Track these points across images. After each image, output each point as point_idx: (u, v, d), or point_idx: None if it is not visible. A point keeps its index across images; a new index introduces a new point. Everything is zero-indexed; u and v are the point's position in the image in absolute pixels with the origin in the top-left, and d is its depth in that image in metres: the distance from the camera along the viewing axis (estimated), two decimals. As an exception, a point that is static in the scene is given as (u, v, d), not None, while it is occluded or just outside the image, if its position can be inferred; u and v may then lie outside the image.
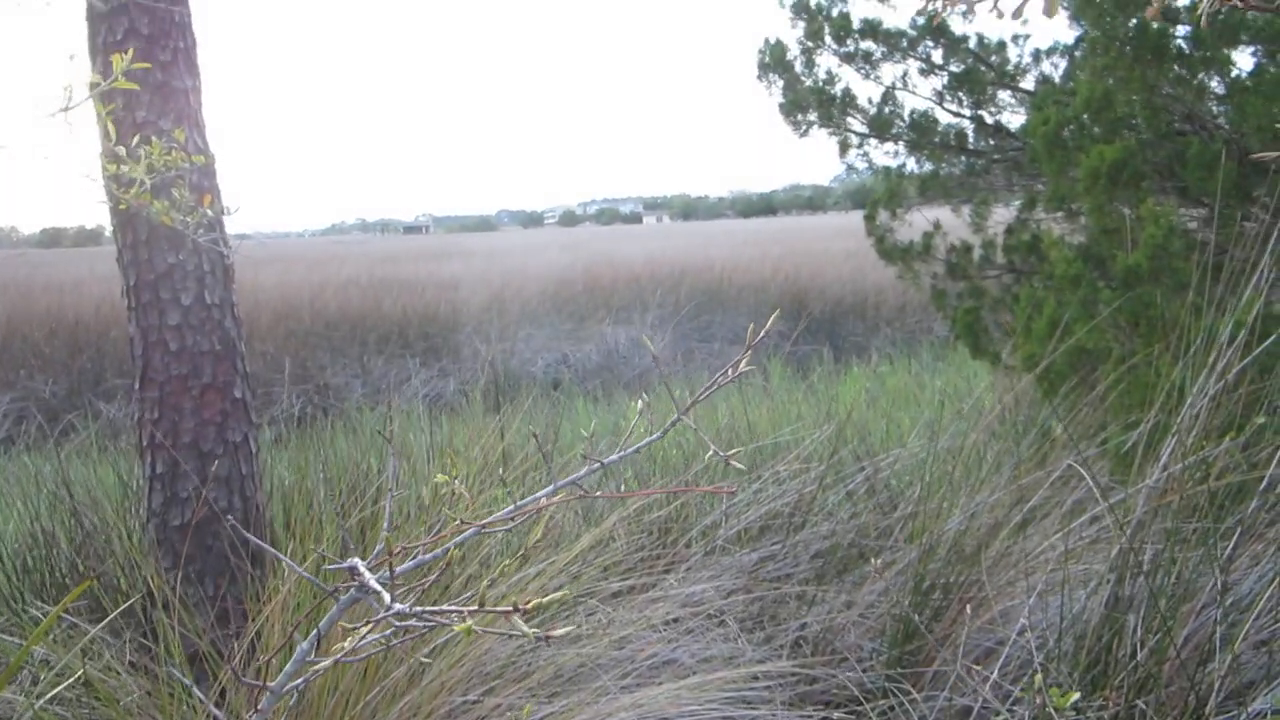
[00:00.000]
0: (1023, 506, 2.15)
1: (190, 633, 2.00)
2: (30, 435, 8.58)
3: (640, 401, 0.96)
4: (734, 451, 0.92)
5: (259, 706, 0.73)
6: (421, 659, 1.55)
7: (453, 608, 0.66)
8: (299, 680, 0.78)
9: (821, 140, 4.62)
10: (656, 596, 1.90)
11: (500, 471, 2.71)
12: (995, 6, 1.20)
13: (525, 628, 0.63)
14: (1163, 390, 1.99)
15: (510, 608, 0.63)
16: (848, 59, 3.94)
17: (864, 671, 1.88)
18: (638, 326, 10.87)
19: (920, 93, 4.02)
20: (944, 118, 4.05)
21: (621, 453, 0.92)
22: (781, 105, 4.04)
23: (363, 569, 0.72)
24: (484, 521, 0.83)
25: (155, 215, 1.91)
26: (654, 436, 0.93)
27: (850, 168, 4.31)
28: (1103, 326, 2.51)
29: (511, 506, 0.86)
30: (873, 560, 1.98)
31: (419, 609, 0.68)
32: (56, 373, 9.87)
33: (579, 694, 1.57)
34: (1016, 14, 1.14)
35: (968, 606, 1.78)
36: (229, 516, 2.56)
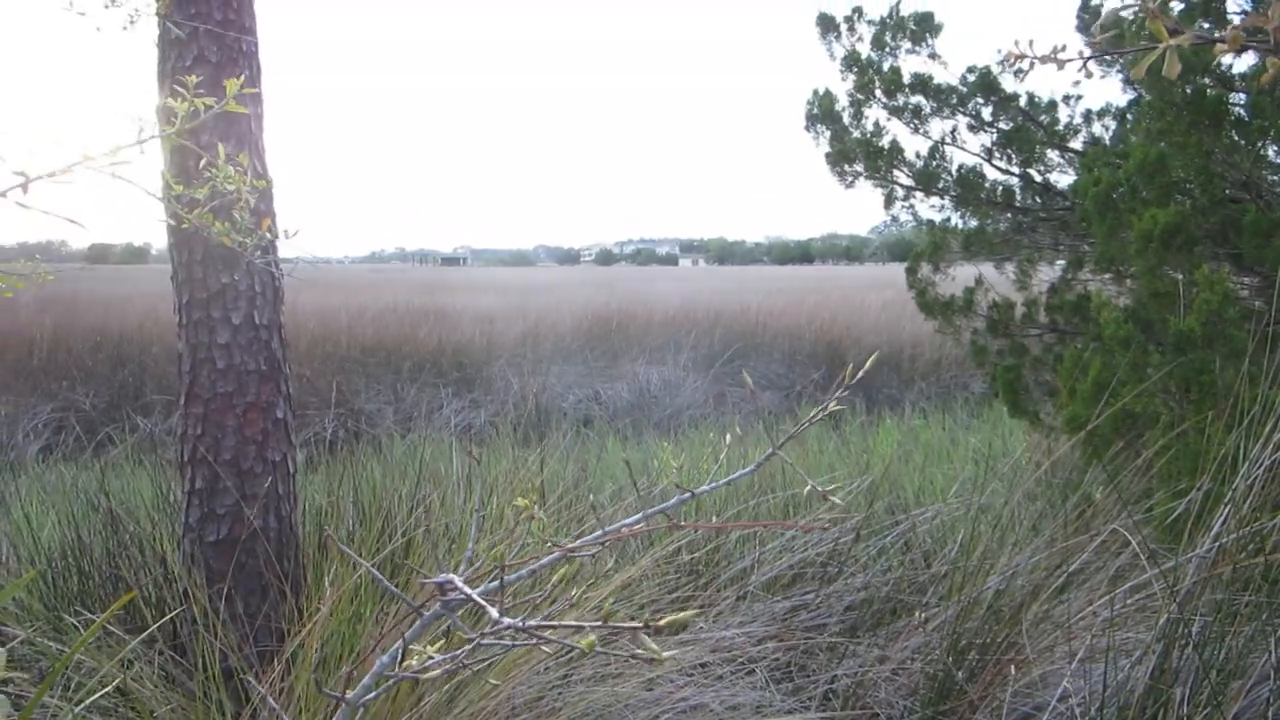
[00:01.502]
0: (1064, 570, 2.10)
1: (226, 648, 2.00)
2: (68, 446, 8.73)
3: (730, 435, 0.96)
4: (832, 488, 0.92)
5: (334, 719, 0.73)
6: (475, 671, 1.54)
7: (574, 623, 0.66)
8: (370, 694, 0.78)
9: (865, 192, 4.65)
10: (687, 639, 1.88)
11: (537, 501, 2.70)
12: (1055, 56, 1.21)
13: (653, 646, 0.63)
14: (1214, 458, 1.95)
15: (639, 624, 0.62)
16: (897, 113, 3.96)
17: (896, 730, 1.84)
18: (670, 367, 10.87)
19: (969, 148, 4.03)
20: (991, 174, 4.05)
21: (712, 484, 0.92)
22: (828, 155, 4.06)
23: (459, 582, 0.72)
24: (571, 545, 0.83)
25: (216, 236, 1.95)
26: (746, 470, 0.93)
27: (894, 219, 4.31)
28: (1152, 391, 2.47)
29: (599, 531, 0.86)
30: (918, 613, 1.95)
31: (534, 624, 0.68)
32: (98, 386, 10.03)
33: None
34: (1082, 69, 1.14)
35: (1011, 667, 1.73)
36: (265, 535, 2.58)
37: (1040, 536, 2.37)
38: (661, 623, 0.62)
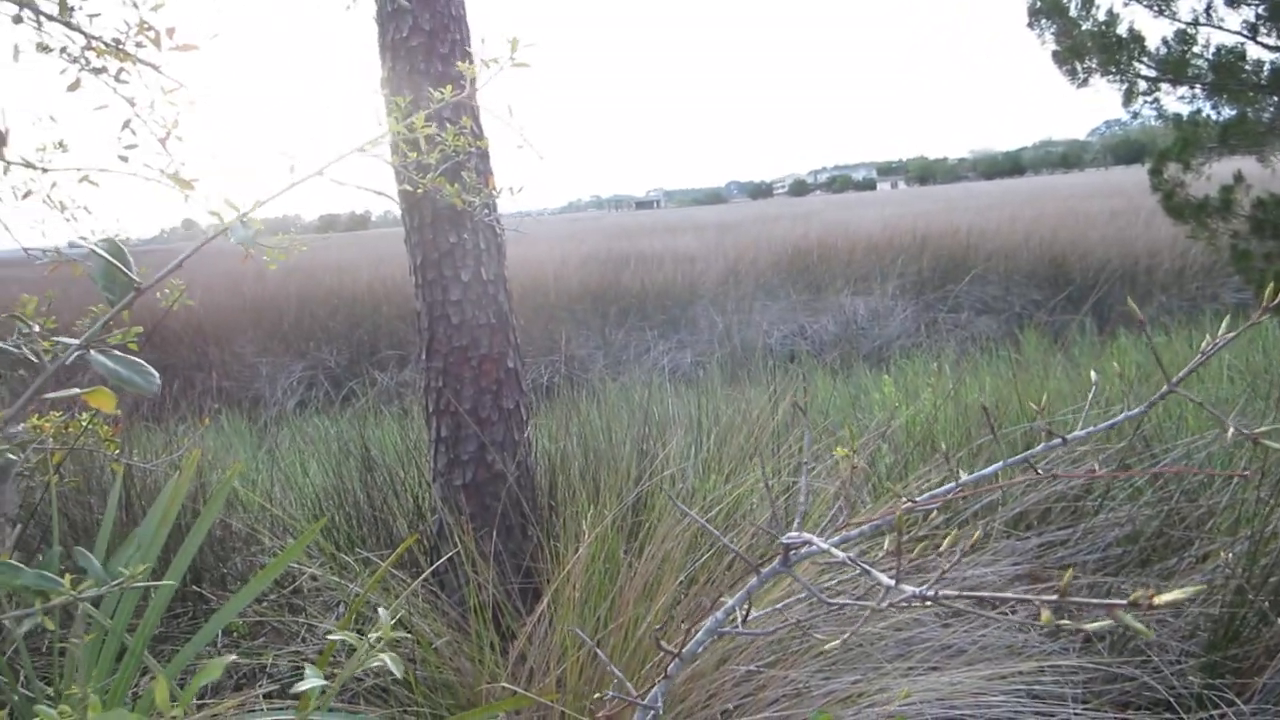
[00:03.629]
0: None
1: (484, 583, 2.15)
2: (319, 400, 9.65)
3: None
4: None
5: (668, 672, 0.75)
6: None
7: (1009, 595, 0.64)
8: (700, 647, 0.80)
9: (1086, 93, 4.19)
10: (931, 578, 1.81)
11: (776, 445, 2.69)
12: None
13: (1138, 624, 0.60)
14: None
15: (1120, 602, 0.58)
16: (1135, -4, 3.53)
17: (1173, 675, 1.70)
18: (877, 297, 10.51)
19: (1226, 26, 3.53)
20: (1254, 53, 3.53)
21: (1085, 430, 0.86)
22: (1056, 53, 3.68)
23: (822, 544, 0.71)
24: (931, 495, 0.81)
25: (447, 198, 2.04)
26: (1140, 409, 0.86)
27: (1135, 115, 3.87)
28: None
29: (954, 483, 0.83)
30: (1223, 554, 1.77)
31: (950, 593, 0.67)
32: (339, 345, 10.95)
33: (860, 673, 1.52)
34: None
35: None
36: (505, 478, 2.73)
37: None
38: (1160, 599, 0.58)
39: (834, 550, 0.69)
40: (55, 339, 0.73)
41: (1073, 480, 2.18)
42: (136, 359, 0.74)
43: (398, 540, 3.12)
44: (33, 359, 0.73)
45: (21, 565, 0.69)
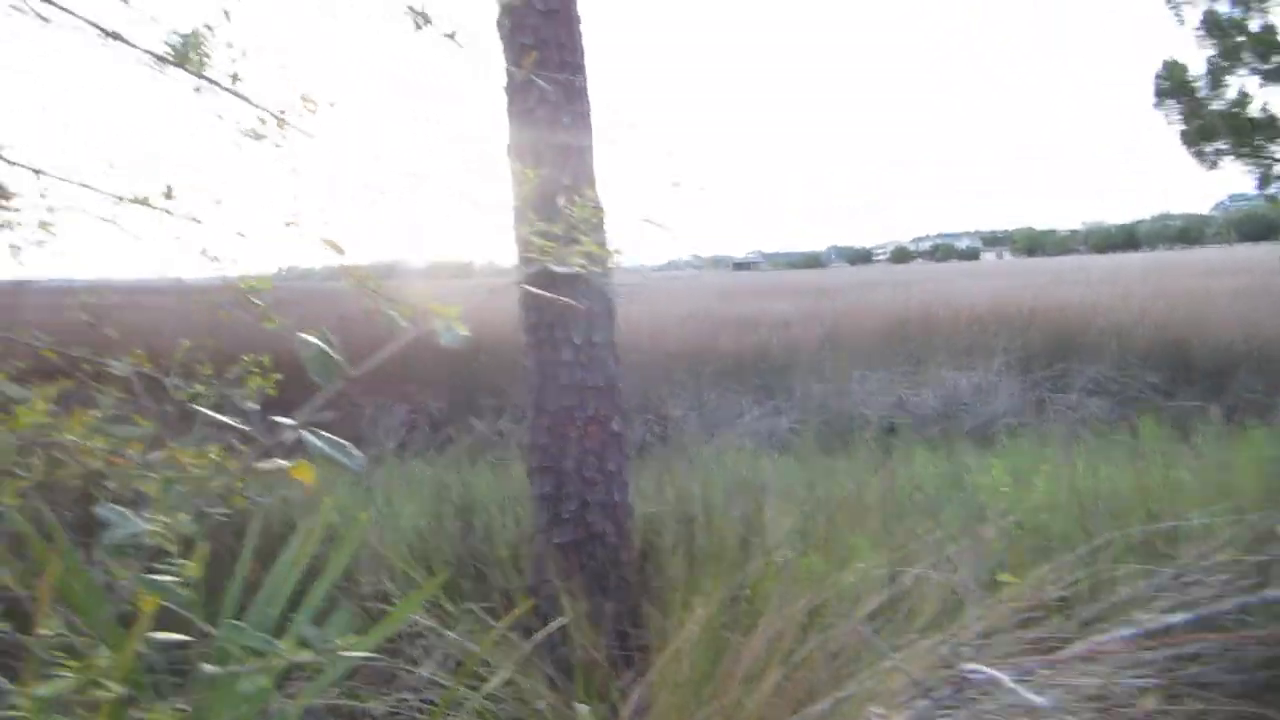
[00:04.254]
0: None
1: (582, 644, 2.16)
2: (418, 443, 9.89)
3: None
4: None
5: None
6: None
7: None
8: None
9: (1214, 174, 4.04)
10: (1054, 683, 1.73)
11: (885, 526, 2.64)
12: None
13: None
14: None
15: None
16: (1273, 76, 3.41)
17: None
18: (981, 372, 10.22)
19: (1373, 111, 3.37)
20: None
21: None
22: (1184, 134, 3.59)
23: (1010, 683, 0.71)
24: (1103, 641, 0.79)
25: (571, 265, 2.10)
26: None
27: (1273, 198, 3.70)
28: None
29: (1135, 630, 0.81)
30: None
31: None
32: (440, 391, 11.20)
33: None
34: None
35: None
36: (604, 540, 2.75)
37: None
38: None
39: (1029, 696, 0.68)
40: (276, 419, 0.79)
41: (1198, 589, 2.06)
42: (341, 440, 0.80)
43: (493, 588, 3.16)
44: (246, 430, 0.79)
45: (245, 626, 0.74)
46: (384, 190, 1.86)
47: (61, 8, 1.80)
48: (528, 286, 2.93)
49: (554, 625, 2.03)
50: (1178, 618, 1.51)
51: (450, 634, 2.19)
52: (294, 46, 1.86)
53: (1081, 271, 23.68)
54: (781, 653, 1.59)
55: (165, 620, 0.92)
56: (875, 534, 2.82)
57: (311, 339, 0.80)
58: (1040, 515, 2.98)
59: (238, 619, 1.28)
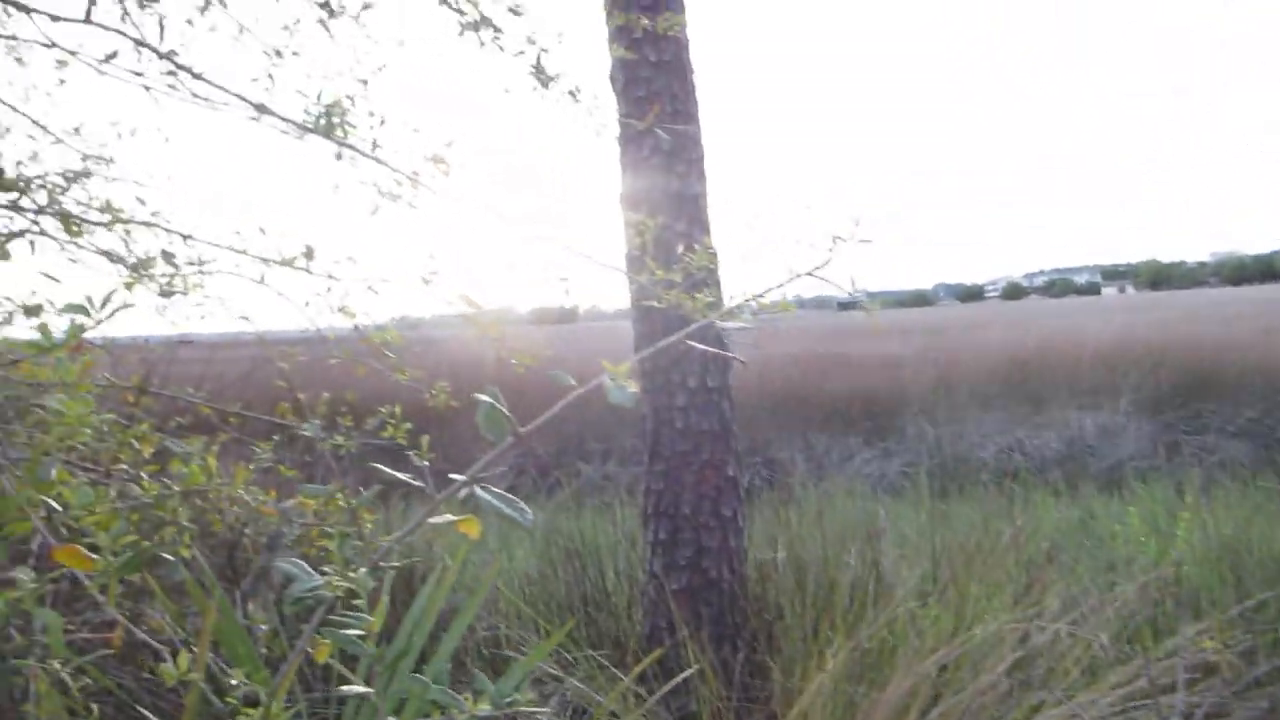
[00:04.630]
0: None
1: (703, 695, 2.14)
2: (527, 486, 10.03)
3: None
4: None
5: None
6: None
7: None
8: None
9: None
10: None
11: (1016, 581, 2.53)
12: None
13: None
14: None
15: None
16: None
17: None
18: (1107, 413, 9.75)
19: None
20: None
21: None
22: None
23: None
24: None
25: (688, 312, 2.12)
26: None
27: None
28: None
29: None
30: None
31: None
32: (548, 435, 11.36)
33: None
34: None
35: None
36: (720, 587, 2.72)
37: None
38: None
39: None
40: (449, 475, 0.83)
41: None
42: (512, 497, 0.83)
43: (604, 634, 3.16)
44: (422, 487, 0.83)
45: (427, 680, 0.78)
46: (499, 241, 1.93)
47: (214, 84, 1.95)
48: (637, 333, 2.97)
49: (682, 676, 2.01)
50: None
51: (571, 680, 2.20)
52: (420, 109, 1.96)
53: (1215, 306, 22.42)
54: (916, 712, 1.54)
55: (317, 673, 0.96)
56: (1003, 586, 2.71)
57: (484, 397, 0.84)
58: (1185, 569, 2.80)
59: (372, 665, 1.32)
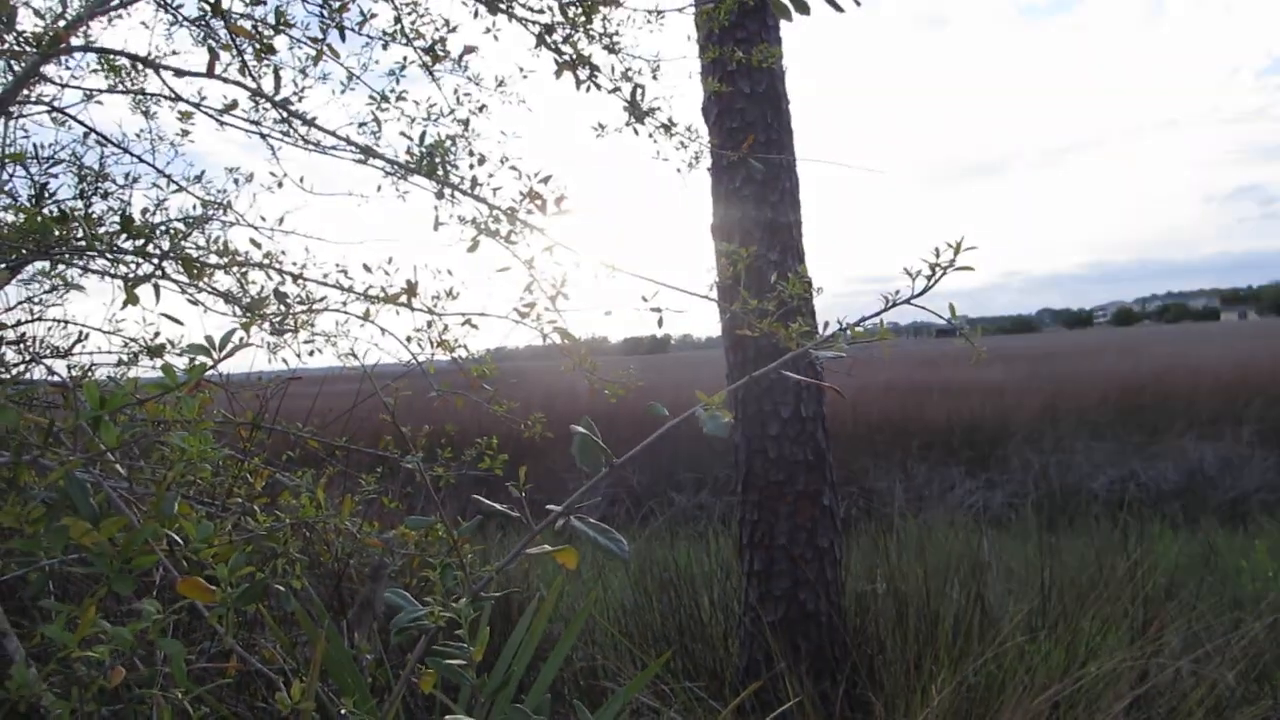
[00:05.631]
0: None
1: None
2: (620, 516, 10.05)
3: None
4: None
5: None
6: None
7: None
8: None
9: None
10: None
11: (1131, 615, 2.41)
12: None
13: None
14: None
15: None
16: None
17: None
18: (1228, 443, 9.20)
19: None
20: None
21: None
22: None
23: None
24: None
25: (782, 342, 2.11)
26: None
27: None
28: None
29: None
30: None
31: None
32: (641, 464, 11.37)
33: None
34: None
35: None
36: (817, 619, 2.67)
37: None
38: None
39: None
40: (546, 506, 0.85)
41: None
42: (608, 527, 0.84)
43: (700, 666, 3.13)
44: (519, 518, 0.85)
45: (528, 711, 0.79)
46: (593, 273, 1.96)
47: (324, 129, 2.04)
48: (730, 361, 2.96)
49: (781, 710, 1.98)
50: None
51: (670, 713, 2.19)
52: (521, 147, 2.02)
53: (1348, 329, 20.97)
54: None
55: (421, 700, 0.99)
56: (1118, 621, 2.58)
57: (579, 428, 0.85)
58: None
59: (473, 696, 1.34)
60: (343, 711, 0.85)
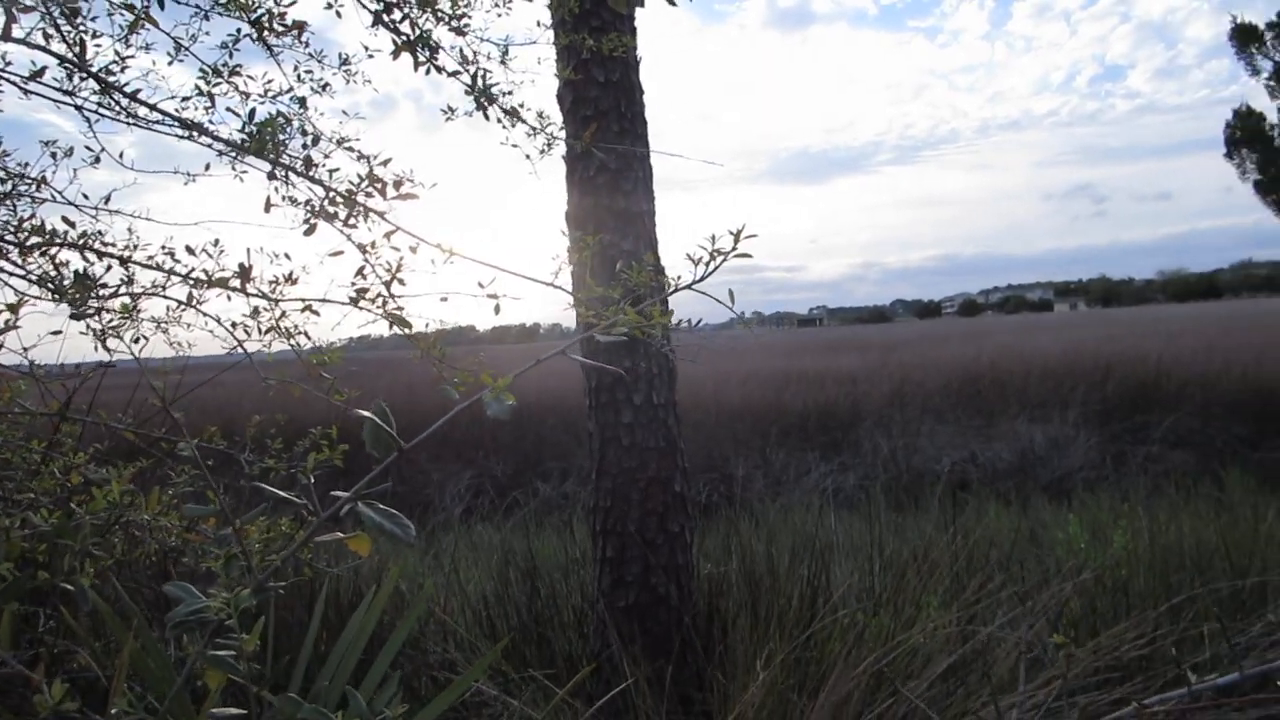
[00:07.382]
0: None
1: (646, 710, 2.13)
2: (484, 507, 9.93)
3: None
4: None
5: None
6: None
7: None
8: None
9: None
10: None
11: (955, 584, 2.57)
12: None
13: None
14: None
15: None
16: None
17: None
18: (1056, 425, 9.93)
19: None
20: None
21: None
22: (1258, 183, 3.49)
23: None
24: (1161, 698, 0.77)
25: (631, 330, 2.13)
26: None
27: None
28: None
29: (1185, 689, 0.79)
30: None
31: None
32: (505, 455, 11.27)
33: None
34: None
35: None
36: (668, 603, 2.72)
37: None
38: None
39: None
40: (333, 493, 0.82)
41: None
42: (395, 511, 0.83)
43: (556, 654, 3.14)
44: (310, 505, 0.82)
45: (301, 700, 0.77)
46: (450, 261, 1.92)
47: (148, 104, 1.92)
48: (584, 351, 2.97)
49: (614, 692, 2.01)
50: (1232, 677, 1.44)
51: (514, 702, 2.19)
52: (365, 132, 1.95)
53: (1160, 323, 22.97)
54: (851, 714, 1.55)
55: (239, 695, 0.95)
56: (945, 591, 2.75)
57: (367, 414, 0.83)
58: (1120, 571, 2.86)
59: (307, 688, 1.30)
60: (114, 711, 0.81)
